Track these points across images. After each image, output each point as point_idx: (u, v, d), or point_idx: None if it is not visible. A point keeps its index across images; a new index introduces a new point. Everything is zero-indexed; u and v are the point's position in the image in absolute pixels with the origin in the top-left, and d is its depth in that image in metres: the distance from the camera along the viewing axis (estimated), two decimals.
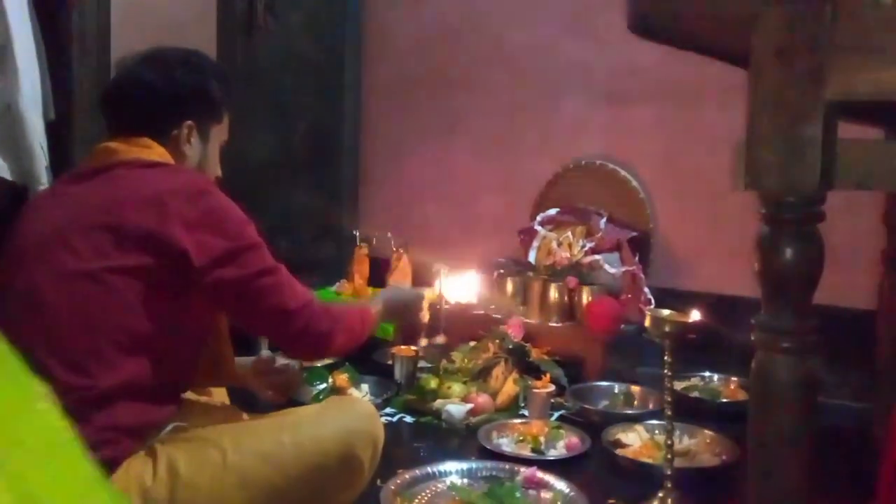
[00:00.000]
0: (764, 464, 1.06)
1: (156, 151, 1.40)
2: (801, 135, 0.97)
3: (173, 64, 1.46)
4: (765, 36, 1.00)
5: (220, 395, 1.72)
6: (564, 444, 1.99)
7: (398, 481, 1.71)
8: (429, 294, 1.88)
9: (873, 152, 1.00)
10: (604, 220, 2.77)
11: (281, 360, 1.73)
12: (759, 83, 1.01)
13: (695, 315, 1.65)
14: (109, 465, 1.21)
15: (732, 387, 2.43)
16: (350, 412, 1.50)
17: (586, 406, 2.24)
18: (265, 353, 1.80)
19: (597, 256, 2.68)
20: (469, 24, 3.27)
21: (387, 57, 3.46)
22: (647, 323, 1.65)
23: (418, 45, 3.39)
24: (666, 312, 1.66)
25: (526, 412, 2.24)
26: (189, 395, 1.52)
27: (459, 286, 1.98)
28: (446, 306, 1.92)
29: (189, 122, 1.45)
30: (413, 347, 2.57)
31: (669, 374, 1.65)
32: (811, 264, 1.01)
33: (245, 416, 1.62)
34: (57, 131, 2.14)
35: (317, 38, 3.21)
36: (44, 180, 2.02)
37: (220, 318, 1.56)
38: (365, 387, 2.38)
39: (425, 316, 1.88)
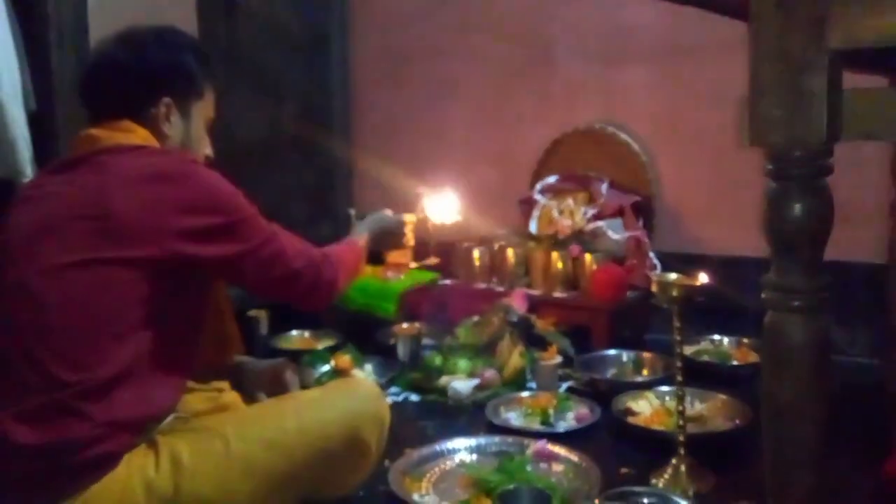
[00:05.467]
0: (778, 426, 1.03)
1: (138, 135, 1.36)
2: (806, 87, 0.94)
3: (145, 41, 1.41)
4: None
5: (220, 384, 1.69)
6: (574, 416, 1.97)
7: (406, 461, 1.69)
8: (409, 218, 1.88)
9: (880, 102, 0.97)
10: (605, 185, 2.73)
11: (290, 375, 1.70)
12: (759, 35, 0.97)
13: (703, 278, 1.61)
14: (109, 460, 1.19)
15: (743, 349, 2.40)
16: (354, 394, 1.48)
17: (595, 376, 2.22)
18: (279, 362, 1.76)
19: (599, 223, 2.65)
20: None
21: (374, 28, 3.40)
22: (654, 288, 1.61)
23: (406, 14, 3.32)
24: (673, 276, 1.62)
25: (533, 385, 2.22)
26: (189, 384, 1.49)
27: (440, 207, 1.97)
28: (431, 227, 1.94)
29: (167, 100, 1.41)
30: (416, 325, 2.55)
31: (679, 339, 1.62)
32: (820, 220, 0.98)
33: (246, 402, 1.59)
34: (40, 122, 2.10)
35: (301, 13, 3.15)
36: (28, 172, 1.99)
37: (223, 298, 1.54)
38: (368, 367, 2.35)
39: (409, 240, 1.88)
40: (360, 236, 1.72)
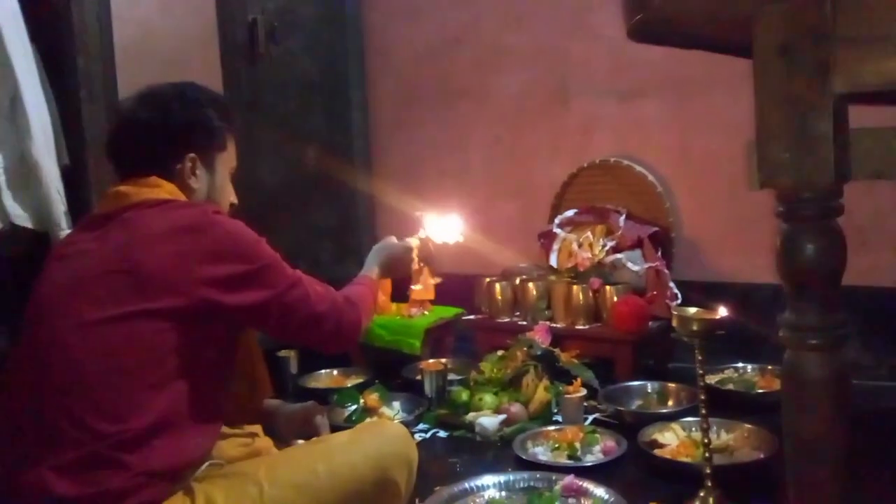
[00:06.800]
0: (800, 462, 1.04)
1: (165, 189, 1.41)
2: (812, 130, 0.95)
3: (167, 99, 1.46)
4: (767, 32, 0.98)
5: (253, 428, 1.72)
6: (601, 449, 1.97)
7: (437, 499, 1.71)
8: (414, 242, 1.91)
9: (888, 141, 0.97)
10: (623, 217, 2.76)
11: (321, 419, 1.76)
12: (764, 80, 0.99)
13: (722, 311, 1.62)
14: None
15: (767, 376, 2.39)
16: (382, 435, 1.50)
17: (620, 408, 2.23)
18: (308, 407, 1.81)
19: (619, 255, 2.67)
20: (470, 32, 3.27)
21: (391, 72, 3.47)
22: (674, 322, 1.63)
23: (421, 57, 3.39)
24: (693, 310, 1.64)
25: (559, 418, 2.23)
26: (223, 429, 1.52)
27: (443, 227, 1.99)
28: (433, 247, 1.96)
29: (191, 155, 1.45)
30: (441, 360, 2.56)
31: (701, 372, 1.63)
32: (833, 259, 0.99)
33: (278, 446, 1.62)
34: (72, 176, 2.17)
35: (319, 60, 3.23)
36: (63, 225, 2.05)
37: (253, 342, 1.56)
38: (396, 404, 2.38)
39: (415, 264, 1.92)
40: (371, 270, 1.76)
